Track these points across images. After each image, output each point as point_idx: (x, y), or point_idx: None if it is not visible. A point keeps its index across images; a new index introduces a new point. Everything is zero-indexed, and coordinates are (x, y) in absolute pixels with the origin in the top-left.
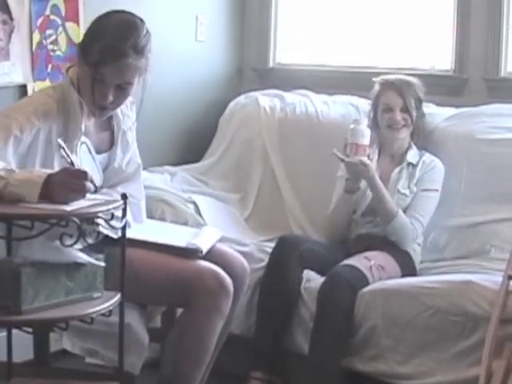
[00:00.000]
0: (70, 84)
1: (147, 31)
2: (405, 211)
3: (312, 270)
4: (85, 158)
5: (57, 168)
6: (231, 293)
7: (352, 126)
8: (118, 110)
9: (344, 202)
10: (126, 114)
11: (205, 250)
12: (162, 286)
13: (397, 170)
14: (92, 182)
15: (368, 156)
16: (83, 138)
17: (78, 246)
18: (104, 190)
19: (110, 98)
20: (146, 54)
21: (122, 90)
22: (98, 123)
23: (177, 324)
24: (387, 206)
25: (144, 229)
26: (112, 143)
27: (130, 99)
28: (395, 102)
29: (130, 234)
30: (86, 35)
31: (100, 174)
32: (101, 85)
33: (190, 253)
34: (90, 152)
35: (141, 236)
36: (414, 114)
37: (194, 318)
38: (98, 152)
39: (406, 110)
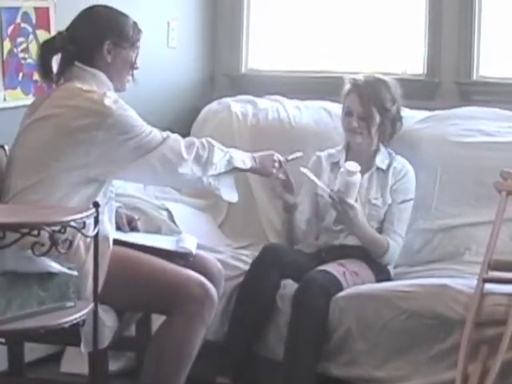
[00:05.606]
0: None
1: None
2: (381, 223)
3: (290, 278)
4: None
5: None
6: (216, 303)
7: (348, 179)
8: None
9: (287, 225)
10: None
11: (194, 253)
12: (148, 288)
13: (366, 176)
14: None
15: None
16: None
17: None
18: None
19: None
20: None
21: None
22: None
23: (158, 332)
24: (376, 247)
25: (132, 234)
26: None
27: None
28: (355, 107)
29: (120, 236)
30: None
31: None
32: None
33: (180, 257)
34: None
35: (130, 238)
36: (377, 120)
37: (176, 326)
38: None
39: (363, 118)
